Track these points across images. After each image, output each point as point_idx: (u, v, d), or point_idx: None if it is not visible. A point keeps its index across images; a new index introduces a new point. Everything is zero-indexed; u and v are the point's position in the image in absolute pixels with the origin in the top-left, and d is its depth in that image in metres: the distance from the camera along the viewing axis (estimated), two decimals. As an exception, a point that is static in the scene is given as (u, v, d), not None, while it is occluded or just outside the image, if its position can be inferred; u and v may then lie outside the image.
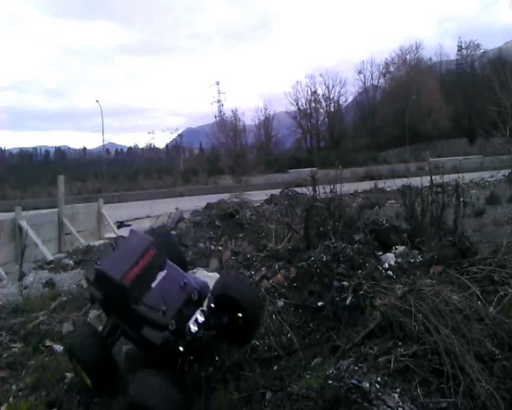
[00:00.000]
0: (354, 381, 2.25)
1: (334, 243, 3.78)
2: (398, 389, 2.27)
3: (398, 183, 8.28)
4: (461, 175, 6.26)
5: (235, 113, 46.41)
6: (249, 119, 59.52)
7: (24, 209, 8.72)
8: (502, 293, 3.05)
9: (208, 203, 9.08)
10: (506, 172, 11.51)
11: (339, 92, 55.50)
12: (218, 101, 51.71)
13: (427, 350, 2.43)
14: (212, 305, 2.70)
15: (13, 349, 3.74)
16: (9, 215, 8.65)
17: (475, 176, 13.77)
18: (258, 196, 10.22)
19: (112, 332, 2.89)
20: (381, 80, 58.47)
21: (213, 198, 10.20)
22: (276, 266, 4.22)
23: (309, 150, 52.90)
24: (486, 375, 2.25)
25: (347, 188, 6.45)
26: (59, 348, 3.72)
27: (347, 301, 3.04)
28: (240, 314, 2.72)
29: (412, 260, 3.83)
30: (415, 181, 5.63)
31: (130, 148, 72.42)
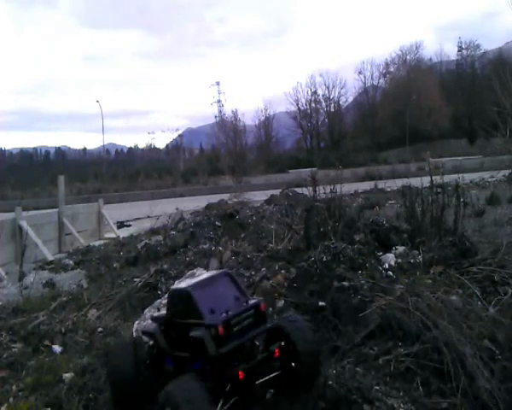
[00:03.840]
0: (354, 381, 2.25)
1: (335, 244, 3.78)
2: (398, 390, 2.27)
3: (399, 183, 8.30)
4: (461, 175, 6.26)
5: (235, 113, 46.44)
6: (249, 119, 59.48)
7: (24, 209, 8.73)
8: (502, 293, 3.05)
9: (208, 204, 9.09)
10: (506, 172, 11.49)
11: (339, 93, 55.51)
12: (219, 101, 51.76)
13: (428, 350, 2.43)
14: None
15: (13, 349, 3.74)
16: (9, 215, 8.66)
17: (475, 176, 13.76)
18: (258, 197, 10.23)
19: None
20: (381, 81, 58.44)
21: (213, 198, 10.21)
22: (276, 267, 4.22)
23: (309, 151, 52.87)
24: (487, 374, 2.25)
25: (347, 188, 6.45)
26: (58, 348, 3.73)
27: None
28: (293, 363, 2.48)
29: (412, 261, 3.83)
30: (415, 181, 5.63)
31: (130, 148, 72.40)
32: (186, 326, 2.45)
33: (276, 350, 2.45)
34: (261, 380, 2.39)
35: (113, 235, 11.70)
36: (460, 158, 22.45)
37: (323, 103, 55.95)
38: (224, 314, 2.34)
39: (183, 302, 2.52)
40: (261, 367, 2.41)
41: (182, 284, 2.84)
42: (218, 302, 2.45)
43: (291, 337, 2.49)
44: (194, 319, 2.42)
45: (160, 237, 7.27)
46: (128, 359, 2.60)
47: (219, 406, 2.22)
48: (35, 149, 78.37)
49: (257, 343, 2.44)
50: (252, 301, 2.49)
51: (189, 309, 2.45)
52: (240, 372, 2.28)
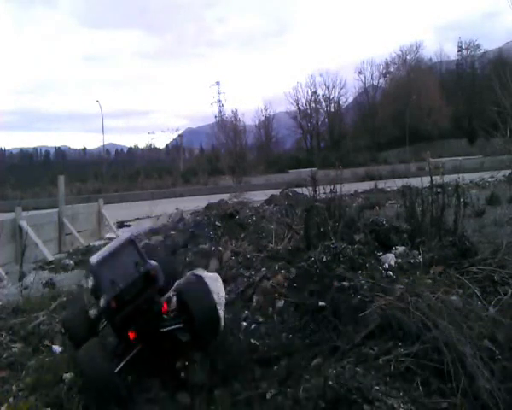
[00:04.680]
0: (354, 382, 2.25)
1: (335, 244, 3.78)
2: (398, 390, 2.27)
3: (399, 183, 8.31)
4: (461, 175, 6.26)
5: (235, 113, 46.41)
6: (249, 119, 59.41)
7: (24, 209, 8.73)
8: (502, 293, 3.05)
9: (208, 204, 9.08)
10: (506, 172, 11.49)
11: (339, 93, 55.49)
12: (219, 101, 51.73)
13: (428, 349, 2.43)
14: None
15: (13, 349, 3.74)
16: (9, 215, 8.66)
17: (475, 176, 13.76)
18: (258, 197, 10.22)
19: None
20: (381, 81, 58.41)
21: (213, 198, 10.20)
22: (276, 267, 4.22)
23: (309, 151, 52.86)
24: (487, 374, 2.25)
25: (347, 188, 6.45)
26: (58, 348, 3.73)
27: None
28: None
29: (412, 261, 3.83)
30: (415, 181, 5.64)
31: (130, 148, 72.26)
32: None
33: (164, 304, 2.94)
34: (164, 330, 2.91)
35: (113, 235, 11.68)
36: (460, 158, 22.47)
37: (323, 103, 55.99)
38: (117, 288, 2.77)
39: (94, 277, 3.08)
40: (159, 322, 2.91)
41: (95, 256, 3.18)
42: (119, 272, 2.86)
43: (184, 296, 2.95)
44: (99, 290, 2.94)
45: (160, 237, 7.27)
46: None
47: (122, 363, 2.81)
48: (35, 149, 78.23)
49: (158, 302, 2.91)
50: (143, 269, 2.85)
51: (96, 282, 3.02)
52: (130, 333, 2.82)
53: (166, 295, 3.09)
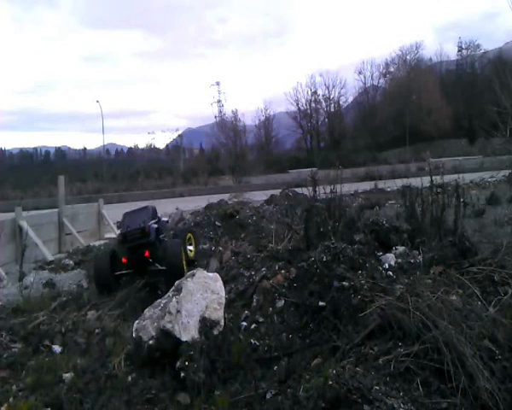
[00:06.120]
0: (354, 382, 2.25)
1: (335, 244, 3.77)
2: (398, 390, 2.27)
3: (399, 183, 8.30)
4: (461, 175, 6.26)
5: (235, 113, 46.38)
6: (249, 119, 59.38)
7: (24, 209, 8.71)
8: (502, 293, 3.05)
9: (208, 204, 9.08)
10: (506, 172, 11.47)
11: (339, 93, 55.48)
12: (219, 101, 51.67)
13: (428, 350, 2.43)
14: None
15: (13, 349, 3.74)
16: (10, 215, 8.65)
17: (475, 176, 13.76)
18: (258, 197, 10.22)
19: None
20: (382, 81, 58.41)
21: (213, 198, 10.20)
22: (277, 267, 4.22)
23: (309, 151, 52.86)
24: (487, 374, 2.25)
25: (347, 188, 6.45)
26: (58, 348, 3.73)
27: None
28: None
29: (412, 261, 3.83)
30: (415, 181, 5.64)
31: (130, 148, 72.13)
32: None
33: (147, 252, 4.93)
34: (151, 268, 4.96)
35: (113, 235, 11.66)
36: (460, 158, 22.48)
37: (323, 103, 55.93)
38: (125, 229, 5.02)
39: (122, 220, 5.32)
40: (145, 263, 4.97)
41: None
42: (133, 222, 5.05)
43: (166, 246, 5.13)
44: (120, 228, 5.20)
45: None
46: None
47: (119, 273, 5.03)
48: (35, 149, 78.13)
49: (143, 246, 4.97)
50: (142, 224, 4.98)
51: (121, 223, 5.31)
52: (123, 259, 5.00)
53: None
